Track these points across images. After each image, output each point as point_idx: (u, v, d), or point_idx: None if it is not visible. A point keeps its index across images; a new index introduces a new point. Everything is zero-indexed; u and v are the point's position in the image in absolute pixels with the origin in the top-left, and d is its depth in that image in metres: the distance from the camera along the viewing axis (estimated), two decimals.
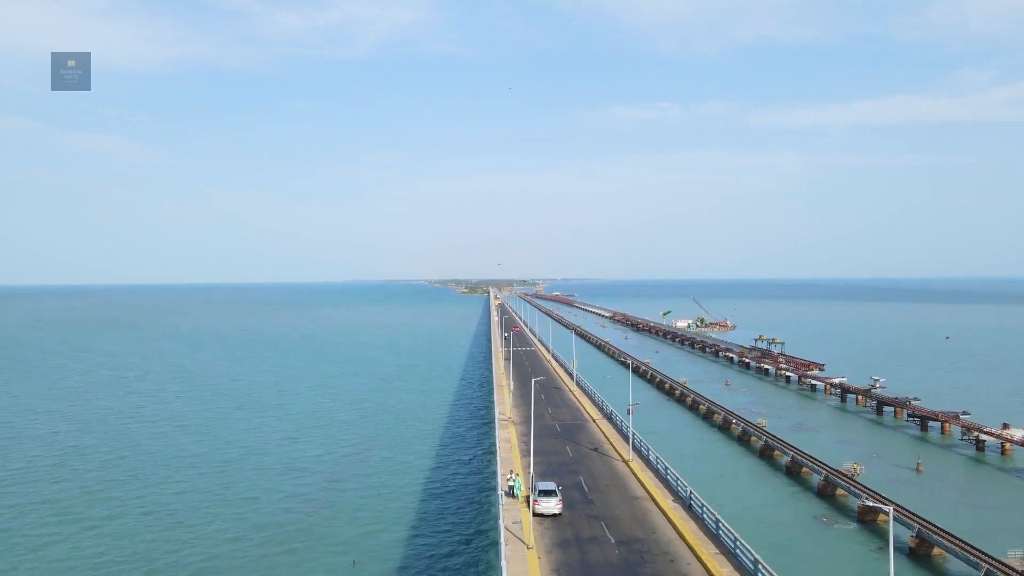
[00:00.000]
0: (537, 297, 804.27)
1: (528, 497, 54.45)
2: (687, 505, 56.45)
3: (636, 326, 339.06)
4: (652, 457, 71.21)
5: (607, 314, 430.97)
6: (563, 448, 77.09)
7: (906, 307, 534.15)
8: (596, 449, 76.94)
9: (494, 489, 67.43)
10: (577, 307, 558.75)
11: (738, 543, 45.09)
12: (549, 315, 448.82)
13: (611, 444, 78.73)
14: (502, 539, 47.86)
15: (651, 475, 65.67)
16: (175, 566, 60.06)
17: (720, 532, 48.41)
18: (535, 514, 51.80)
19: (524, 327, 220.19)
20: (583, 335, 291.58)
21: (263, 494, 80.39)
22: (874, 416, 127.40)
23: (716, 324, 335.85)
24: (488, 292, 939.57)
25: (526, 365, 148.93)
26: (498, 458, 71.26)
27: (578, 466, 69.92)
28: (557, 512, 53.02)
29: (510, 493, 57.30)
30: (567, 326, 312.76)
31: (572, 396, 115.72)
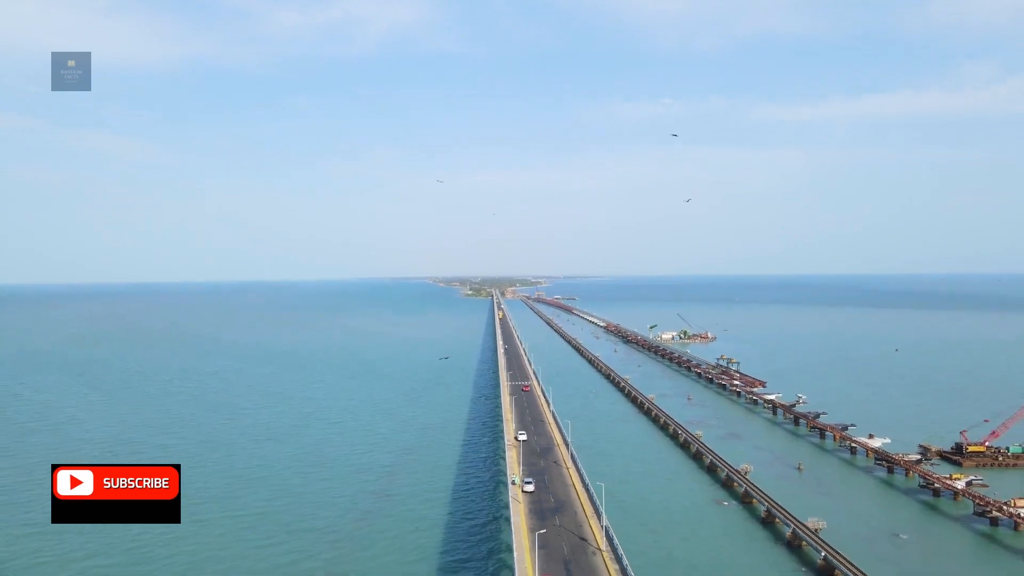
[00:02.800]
0: (538, 302, 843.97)
1: (520, 484, 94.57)
2: (585, 485, 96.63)
3: (626, 338, 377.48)
4: (579, 462, 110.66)
5: (602, 324, 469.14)
6: (538, 460, 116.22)
7: (880, 314, 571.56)
8: (555, 462, 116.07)
9: (504, 483, 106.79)
10: (576, 314, 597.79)
11: (601, 499, 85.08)
12: (550, 324, 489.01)
13: (563, 458, 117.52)
14: (510, 497, 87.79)
15: (576, 473, 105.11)
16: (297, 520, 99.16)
17: (591, 493, 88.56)
18: (524, 491, 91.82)
19: (530, 371, 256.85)
20: (577, 348, 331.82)
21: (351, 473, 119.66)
22: (792, 427, 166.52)
23: (698, 336, 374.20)
24: (492, 295, 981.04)
25: (524, 405, 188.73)
26: (507, 464, 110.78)
27: (545, 469, 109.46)
28: (532, 490, 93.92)
29: (512, 483, 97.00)
30: (565, 338, 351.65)
31: (549, 428, 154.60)
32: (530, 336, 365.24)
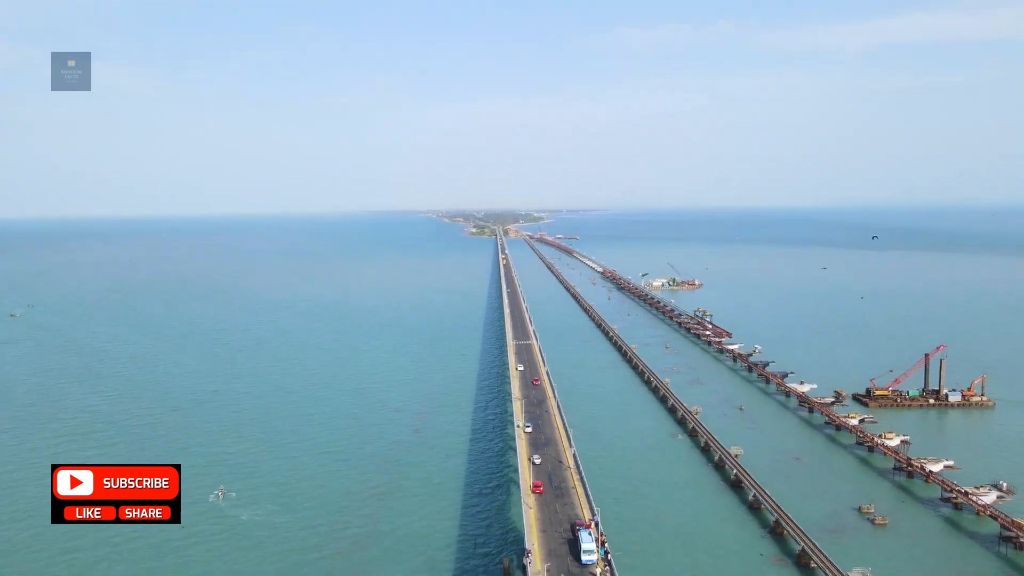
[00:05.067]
0: (540, 242, 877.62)
1: (523, 427, 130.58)
2: (565, 427, 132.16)
3: (620, 285, 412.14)
4: (563, 411, 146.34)
5: (599, 269, 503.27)
6: (535, 411, 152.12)
7: (868, 257, 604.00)
8: (547, 412, 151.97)
9: (512, 424, 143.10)
10: (576, 257, 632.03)
11: (573, 431, 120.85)
12: (550, 269, 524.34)
13: (552, 407, 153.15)
14: (516, 436, 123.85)
15: (560, 419, 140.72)
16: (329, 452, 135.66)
17: (568, 432, 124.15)
18: (525, 432, 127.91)
19: (531, 330, 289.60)
20: (575, 296, 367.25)
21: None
22: (746, 374, 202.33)
23: (686, 283, 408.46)
24: (496, 234, 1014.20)
25: (526, 361, 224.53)
26: (514, 415, 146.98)
27: (539, 415, 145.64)
28: (530, 431, 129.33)
29: (518, 427, 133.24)
30: (564, 285, 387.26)
31: (544, 386, 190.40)
32: (531, 285, 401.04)
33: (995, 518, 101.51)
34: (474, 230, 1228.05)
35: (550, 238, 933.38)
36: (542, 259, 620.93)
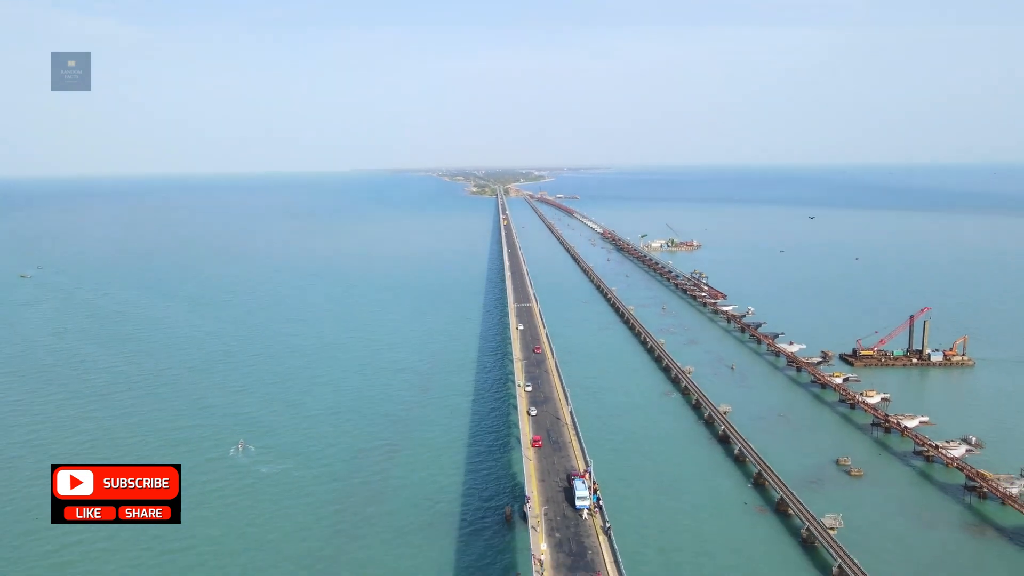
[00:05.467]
0: (541, 202, 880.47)
1: (523, 386, 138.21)
2: (562, 386, 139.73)
3: (619, 246, 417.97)
4: (560, 370, 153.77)
5: (599, 230, 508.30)
6: (535, 371, 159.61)
7: (868, 217, 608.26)
8: (546, 372, 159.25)
9: (514, 383, 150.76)
10: (576, 218, 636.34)
11: (570, 389, 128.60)
12: (551, 229, 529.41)
13: (551, 367, 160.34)
14: (518, 395, 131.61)
15: (558, 378, 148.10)
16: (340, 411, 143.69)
17: (566, 391, 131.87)
18: (525, 391, 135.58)
19: (531, 292, 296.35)
20: (575, 257, 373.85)
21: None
22: (739, 335, 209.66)
23: (684, 244, 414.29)
24: (496, 194, 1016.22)
25: (527, 325, 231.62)
26: (516, 375, 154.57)
27: (539, 375, 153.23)
28: (530, 390, 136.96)
29: (519, 386, 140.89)
30: (564, 246, 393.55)
31: (544, 347, 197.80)
32: (532, 246, 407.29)
33: (961, 470, 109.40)
34: (475, 189, 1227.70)
35: (551, 198, 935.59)
36: (543, 219, 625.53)
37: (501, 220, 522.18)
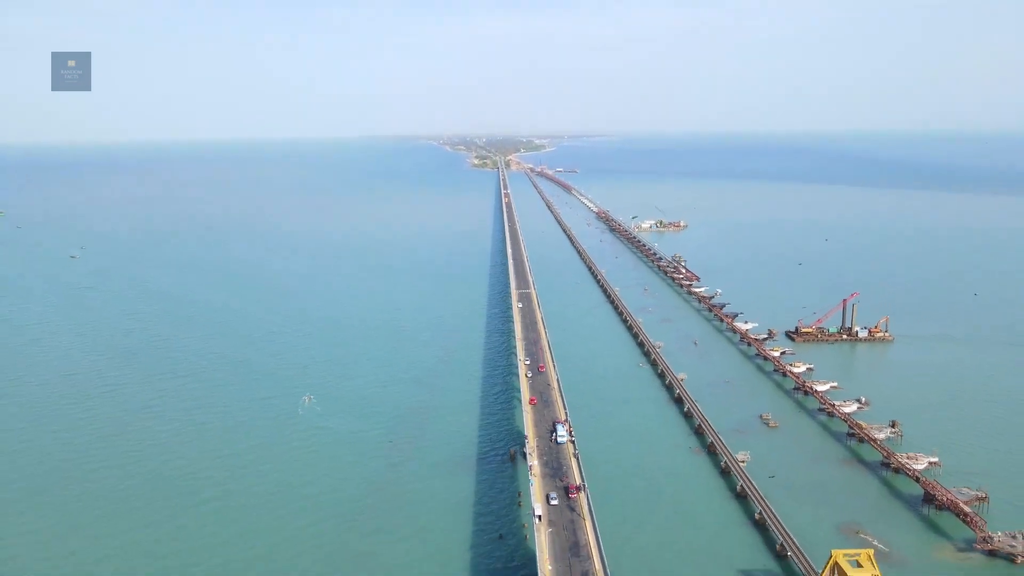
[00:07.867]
0: (540, 176, 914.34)
1: (523, 359, 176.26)
2: (552, 359, 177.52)
3: (611, 227, 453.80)
4: (553, 343, 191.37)
5: (595, 210, 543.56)
6: (532, 348, 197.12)
7: (847, 193, 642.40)
8: (541, 348, 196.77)
9: (515, 357, 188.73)
10: (574, 194, 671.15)
11: (559, 363, 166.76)
12: (549, 207, 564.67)
13: (545, 345, 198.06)
14: (519, 372, 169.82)
15: (550, 353, 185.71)
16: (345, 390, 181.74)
17: (555, 363, 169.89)
18: (524, 363, 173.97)
19: (530, 280, 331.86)
20: (570, 237, 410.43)
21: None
22: (708, 314, 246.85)
23: (672, 225, 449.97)
24: (498, 167, 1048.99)
25: (526, 312, 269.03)
26: (517, 351, 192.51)
27: (535, 352, 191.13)
28: (528, 362, 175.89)
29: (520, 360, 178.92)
30: (562, 225, 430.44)
31: (539, 327, 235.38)
32: (531, 225, 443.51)
33: (846, 421, 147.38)
34: (476, 162, 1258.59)
35: (550, 172, 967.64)
36: (542, 196, 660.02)
37: (503, 198, 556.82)
